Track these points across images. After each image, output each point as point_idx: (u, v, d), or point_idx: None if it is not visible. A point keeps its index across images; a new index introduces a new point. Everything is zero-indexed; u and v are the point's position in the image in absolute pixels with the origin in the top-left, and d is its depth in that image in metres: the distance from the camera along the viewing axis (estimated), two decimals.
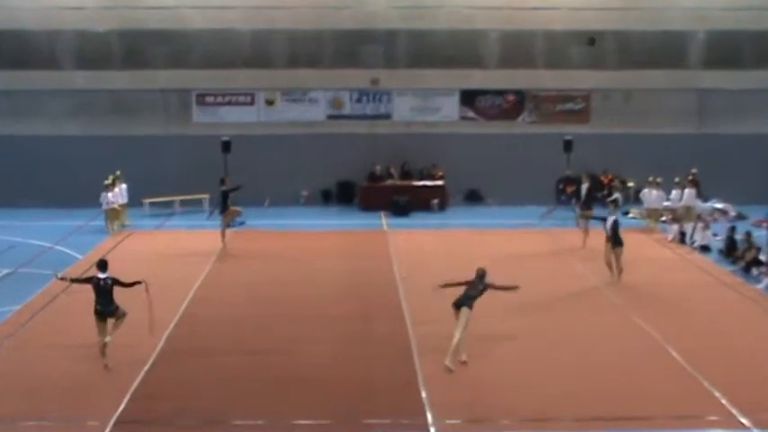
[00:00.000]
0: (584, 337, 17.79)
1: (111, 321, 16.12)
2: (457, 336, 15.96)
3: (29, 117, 34.33)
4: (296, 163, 34.54)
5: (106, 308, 16.14)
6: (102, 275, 16.33)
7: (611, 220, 22.41)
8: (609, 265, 22.43)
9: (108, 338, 16.02)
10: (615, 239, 22.18)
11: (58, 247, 26.34)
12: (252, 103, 35.14)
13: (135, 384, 15.14)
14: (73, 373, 15.74)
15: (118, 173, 29.73)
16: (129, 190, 30.08)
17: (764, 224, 28.69)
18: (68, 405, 14.32)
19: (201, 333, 18.21)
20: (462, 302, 16.30)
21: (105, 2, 34.22)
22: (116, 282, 16.36)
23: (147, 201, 32.41)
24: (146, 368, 15.93)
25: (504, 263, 24.18)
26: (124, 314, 16.31)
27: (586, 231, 25.98)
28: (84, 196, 30.87)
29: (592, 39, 33.82)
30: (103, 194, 28.90)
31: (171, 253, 25.85)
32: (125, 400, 14.41)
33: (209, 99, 35.00)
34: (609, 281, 22.12)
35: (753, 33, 35.17)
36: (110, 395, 14.57)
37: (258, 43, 34.78)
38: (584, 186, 27.20)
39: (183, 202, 32.92)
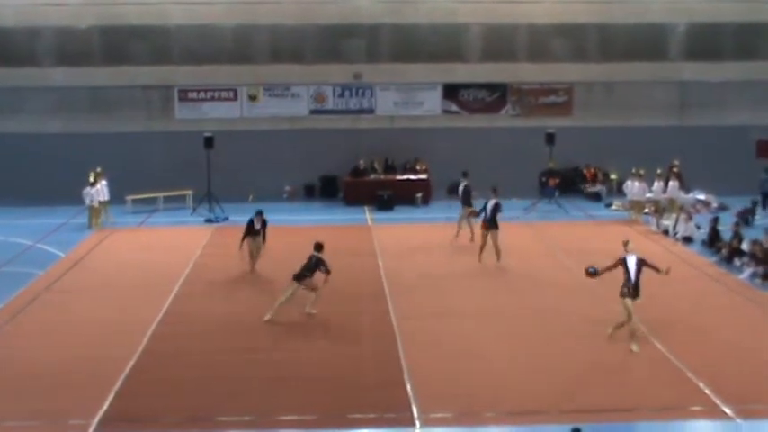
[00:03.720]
0: (569, 331, 17.82)
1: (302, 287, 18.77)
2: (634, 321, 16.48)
3: (9, 114, 34.14)
4: (279, 158, 34.47)
5: (302, 273, 18.82)
6: (315, 253, 19.05)
7: (491, 203, 23.26)
8: (482, 248, 23.34)
9: (307, 309, 18.86)
10: (492, 222, 23.14)
11: (40, 245, 26.21)
12: (234, 98, 35.03)
13: (119, 382, 15.08)
14: (56, 371, 15.66)
15: (99, 169, 29.57)
16: (112, 187, 29.90)
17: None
18: (52, 404, 14.27)
19: (185, 330, 18.15)
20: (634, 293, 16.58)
21: None
22: (320, 261, 18.89)
23: (130, 198, 32.26)
24: (130, 366, 15.87)
25: (489, 257, 24.25)
26: (315, 288, 18.85)
27: (470, 227, 25.71)
28: (65, 193, 30.72)
29: None
30: (86, 191, 28.77)
31: (154, 250, 25.76)
32: (109, 398, 14.36)
33: (192, 95, 34.87)
34: (498, 265, 23.07)
35: (733, 25, 35.31)
36: (94, 393, 14.51)
37: (240, 38, 34.66)
38: (463, 185, 26.32)
39: (166, 199, 32.79)
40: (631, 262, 16.68)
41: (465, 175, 26.48)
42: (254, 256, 22.94)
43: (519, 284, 21.56)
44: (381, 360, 16.19)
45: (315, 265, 18.79)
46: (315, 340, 17.39)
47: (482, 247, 23.68)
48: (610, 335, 16.81)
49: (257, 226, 22.78)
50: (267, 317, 18.56)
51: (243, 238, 22.71)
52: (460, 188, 26.21)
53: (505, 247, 25.40)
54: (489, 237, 23.55)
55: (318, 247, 19.01)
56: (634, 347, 16.30)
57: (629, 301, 16.51)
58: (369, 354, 16.58)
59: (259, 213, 22.96)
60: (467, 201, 25.83)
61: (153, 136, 34.38)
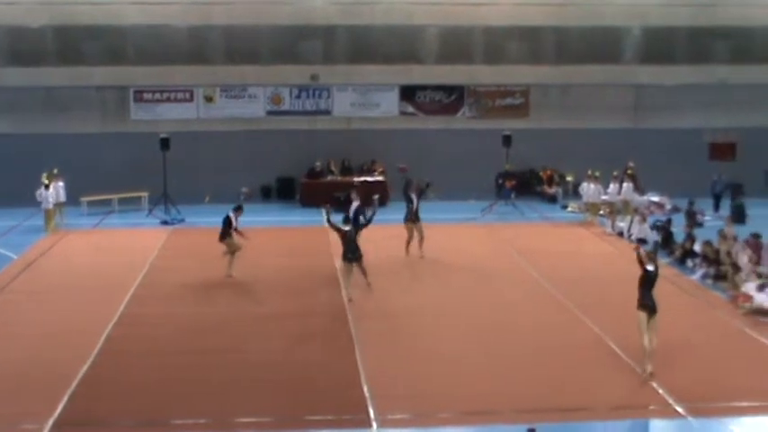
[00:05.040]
0: (523, 331, 17.99)
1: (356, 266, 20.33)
2: (651, 340, 15.36)
3: None
4: (235, 159, 34.36)
5: (354, 254, 20.27)
6: (346, 228, 20.52)
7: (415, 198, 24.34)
8: (408, 242, 24.22)
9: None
10: (416, 216, 24.02)
11: None
12: (191, 99, 34.90)
13: (73, 385, 14.97)
14: (8, 375, 15.52)
15: (55, 171, 29.28)
16: (67, 188, 29.61)
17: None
18: (4, 408, 14.10)
19: (141, 332, 18.04)
20: (653, 305, 15.49)
21: None
22: (359, 230, 20.72)
23: (86, 199, 31.99)
24: (84, 369, 15.75)
25: (444, 258, 24.40)
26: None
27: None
28: (19, 195, 30.40)
29: None
30: (39, 192, 28.41)
31: (109, 252, 25.58)
32: (63, 402, 14.24)
33: (147, 96, 34.68)
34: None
35: (687, 29, 35.78)
36: (47, 397, 14.38)
37: (196, 39, 34.51)
38: (355, 205, 25.02)
39: (121, 201, 32.55)
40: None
41: (408, 184, 26.14)
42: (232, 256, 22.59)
43: (475, 285, 21.69)
44: (338, 361, 16.21)
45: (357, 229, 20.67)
46: (271, 341, 17.38)
47: (408, 241, 24.31)
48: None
49: (236, 224, 22.43)
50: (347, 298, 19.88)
51: (223, 237, 22.47)
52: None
53: (462, 248, 25.60)
54: (415, 230, 24.28)
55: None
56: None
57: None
58: (325, 355, 16.60)
59: (238, 209, 22.69)
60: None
61: (108, 137, 34.13)
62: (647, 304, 15.40)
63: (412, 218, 24.51)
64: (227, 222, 22.48)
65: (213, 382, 15.18)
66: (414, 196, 24.77)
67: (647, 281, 15.55)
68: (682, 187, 31.79)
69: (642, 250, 16.29)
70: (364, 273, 20.77)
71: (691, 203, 29.26)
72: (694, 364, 16.02)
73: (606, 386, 14.94)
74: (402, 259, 24.25)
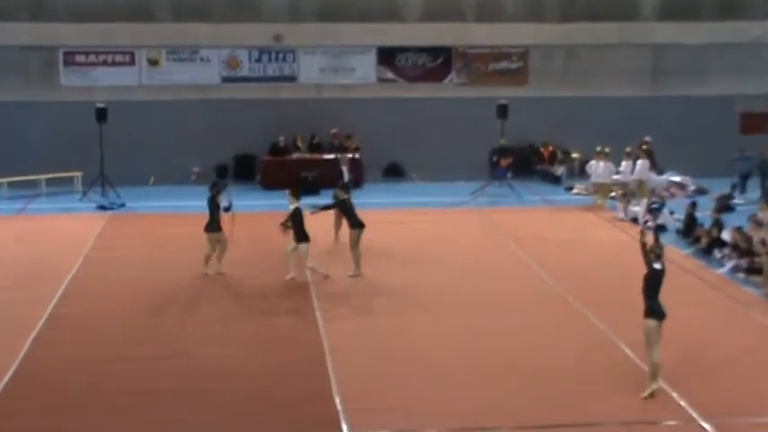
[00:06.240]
0: (522, 333, 17.97)
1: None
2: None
3: None
4: (186, 134, 34.21)
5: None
6: (345, 196, 22.49)
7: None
8: (338, 227, 24.69)
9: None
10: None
11: None
12: (132, 63, 34.77)
13: None
14: None
15: None
16: None
17: None
18: None
19: (74, 336, 17.91)
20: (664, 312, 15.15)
21: None
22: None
23: (6, 180, 31.82)
24: (7, 377, 15.61)
25: (431, 248, 24.37)
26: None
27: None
28: None
29: None
30: None
31: (36, 242, 25.45)
32: None
33: (80, 58, 34.50)
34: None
35: None
36: None
37: None
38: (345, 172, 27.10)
39: (49, 182, 32.36)
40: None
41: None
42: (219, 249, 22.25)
43: (464, 280, 21.66)
44: (305, 369, 16.15)
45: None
46: (226, 346, 17.30)
47: (338, 226, 24.61)
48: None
49: (225, 203, 21.94)
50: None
51: (210, 227, 21.93)
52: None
53: (450, 237, 25.57)
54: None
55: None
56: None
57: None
58: (291, 361, 16.54)
59: (216, 185, 22.38)
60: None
61: (33, 106, 33.92)
62: (660, 311, 15.11)
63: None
64: (214, 205, 21.92)
65: (161, 395, 15.05)
66: (345, 169, 25.50)
67: (656, 281, 15.29)
68: (707, 166, 31.78)
69: (650, 237, 16.02)
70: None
71: (733, 187, 29.49)
72: (723, 372, 16.00)
73: (618, 397, 14.90)
74: (380, 252, 24.18)
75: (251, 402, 14.77)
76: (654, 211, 25.95)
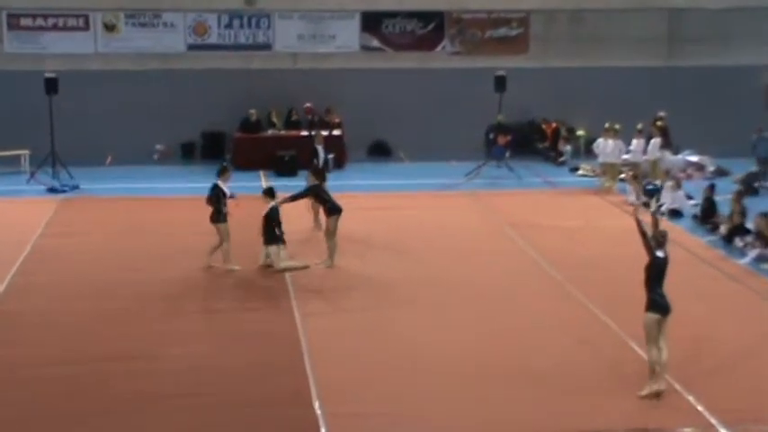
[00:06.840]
0: (518, 330, 17.99)
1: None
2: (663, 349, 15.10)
3: None
4: (147, 108, 34.11)
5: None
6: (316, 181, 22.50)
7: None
8: (317, 213, 24.55)
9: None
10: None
11: None
12: (86, 27, 34.62)
13: None
14: None
15: None
16: None
17: None
18: None
19: (18, 337, 17.86)
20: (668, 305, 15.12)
21: None
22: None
23: None
24: None
25: (419, 235, 24.37)
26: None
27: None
28: None
29: None
30: None
31: None
32: None
33: (27, 22, 34.35)
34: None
35: None
36: None
37: None
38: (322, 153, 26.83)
39: None
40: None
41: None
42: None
43: (457, 270, 21.67)
44: (281, 369, 16.18)
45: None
46: (193, 344, 17.31)
47: (316, 211, 24.55)
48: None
49: (228, 191, 21.81)
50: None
51: (216, 217, 21.72)
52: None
53: (441, 222, 25.58)
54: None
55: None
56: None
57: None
58: (264, 361, 16.54)
59: (226, 170, 22.25)
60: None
61: None
62: (662, 304, 15.10)
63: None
64: (219, 193, 21.69)
65: (115, 399, 15.03)
66: (320, 149, 25.69)
67: (658, 271, 15.26)
68: (729, 144, 31.75)
69: (653, 219, 16.03)
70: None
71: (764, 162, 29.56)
72: (743, 373, 16.06)
73: (630, 402, 14.92)
74: (363, 240, 24.17)
75: (220, 408, 14.76)
76: (649, 193, 25.94)
